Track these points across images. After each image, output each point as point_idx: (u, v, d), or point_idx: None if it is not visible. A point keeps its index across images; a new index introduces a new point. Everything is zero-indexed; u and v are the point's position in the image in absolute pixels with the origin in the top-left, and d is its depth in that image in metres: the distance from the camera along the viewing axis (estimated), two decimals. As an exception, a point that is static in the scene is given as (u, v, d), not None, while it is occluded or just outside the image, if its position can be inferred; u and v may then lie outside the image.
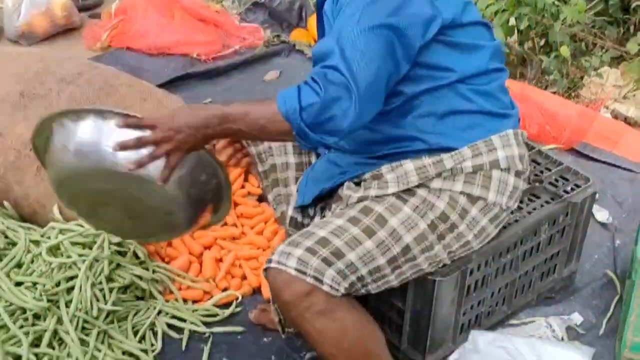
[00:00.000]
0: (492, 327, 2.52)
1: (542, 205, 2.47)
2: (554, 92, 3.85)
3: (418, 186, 2.10)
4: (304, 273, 1.96)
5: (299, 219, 2.34)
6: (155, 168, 1.93)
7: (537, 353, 2.32)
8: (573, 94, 3.93)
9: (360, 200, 2.13)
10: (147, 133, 1.91)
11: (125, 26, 4.21)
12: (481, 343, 2.36)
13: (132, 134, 1.90)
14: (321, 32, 2.24)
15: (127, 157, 1.90)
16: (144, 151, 1.91)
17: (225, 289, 2.71)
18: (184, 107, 2.07)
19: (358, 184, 2.18)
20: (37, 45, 4.20)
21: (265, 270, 2.03)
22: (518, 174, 2.18)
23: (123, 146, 1.90)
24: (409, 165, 2.09)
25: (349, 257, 2.01)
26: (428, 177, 2.08)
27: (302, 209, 2.32)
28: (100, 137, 1.91)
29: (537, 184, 2.56)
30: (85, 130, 1.93)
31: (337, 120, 1.89)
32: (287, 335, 2.36)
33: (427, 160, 2.09)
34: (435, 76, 2.05)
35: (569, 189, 2.56)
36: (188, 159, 1.98)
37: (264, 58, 4.14)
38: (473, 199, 2.12)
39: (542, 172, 2.63)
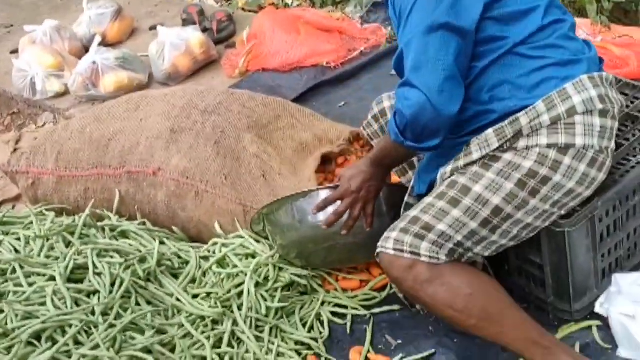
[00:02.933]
0: (635, 268, 2.61)
1: (661, 146, 2.54)
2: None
3: (505, 151, 2.26)
4: (402, 251, 2.25)
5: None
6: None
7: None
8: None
9: (452, 173, 2.34)
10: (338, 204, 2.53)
11: (258, 49, 4.49)
12: (623, 285, 2.46)
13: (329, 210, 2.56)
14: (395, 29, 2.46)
15: (336, 229, 2.57)
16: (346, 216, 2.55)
17: (381, 274, 2.92)
18: (347, 171, 2.54)
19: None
20: (183, 82, 4.56)
21: (377, 257, 2.34)
22: (603, 113, 2.27)
23: (330, 224, 2.54)
24: (489, 131, 2.27)
25: (438, 227, 2.26)
26: (506, 137, 2.24)
27: (419, 197, 2.52)
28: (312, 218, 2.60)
29: (654, 124, 2.62)
30: (299, 213, 2.64)
31: (431, 126, 2.20)
32: (417, 309, 2.59)
33: (504, 122, 2.25)
34: (492, 48, 2.24)
35: (687, 123, 2.60)
36: None
37: (388, 54, 4.30)
38: (562, 150, 2.24)
39: (659, 111, 2.69)
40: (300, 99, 4.03)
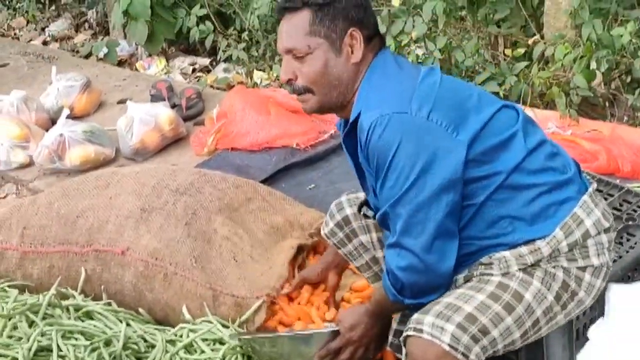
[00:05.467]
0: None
1: (636, 243, 2.56)
2: (646, 128, 3.91)
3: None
4: (456, 349, 2.12)
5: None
6: None
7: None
8: (665, 126, 3.98)
9: (466, 280, 2.28)
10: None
11: (227, 128, 4.48)
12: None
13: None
14: (358, 173, 2.45)
15: None
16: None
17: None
18: (347, 318, 2.50)
19: None
20: (150, 159, 4.53)
21: (408, 337, 2.18)
22: (607, 230, 2.30)
23: None
24: (508, 254, 2.24)
25: (492, 334, 2.17)
26: (527, 264, 2.22)
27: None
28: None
29: (630, 222, 2.65)
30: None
31: (428, 284, 2.23)
32: None
33: (523, 249, 2.23)
34: (485, 185, 2.21)
35: (662, 222, 2.64)
36: None
37: (359, 138, 4.34)
38: (582, 268, 2.26)
39: (634, 210, 2.72)
40: (269, 180, 4.01)
